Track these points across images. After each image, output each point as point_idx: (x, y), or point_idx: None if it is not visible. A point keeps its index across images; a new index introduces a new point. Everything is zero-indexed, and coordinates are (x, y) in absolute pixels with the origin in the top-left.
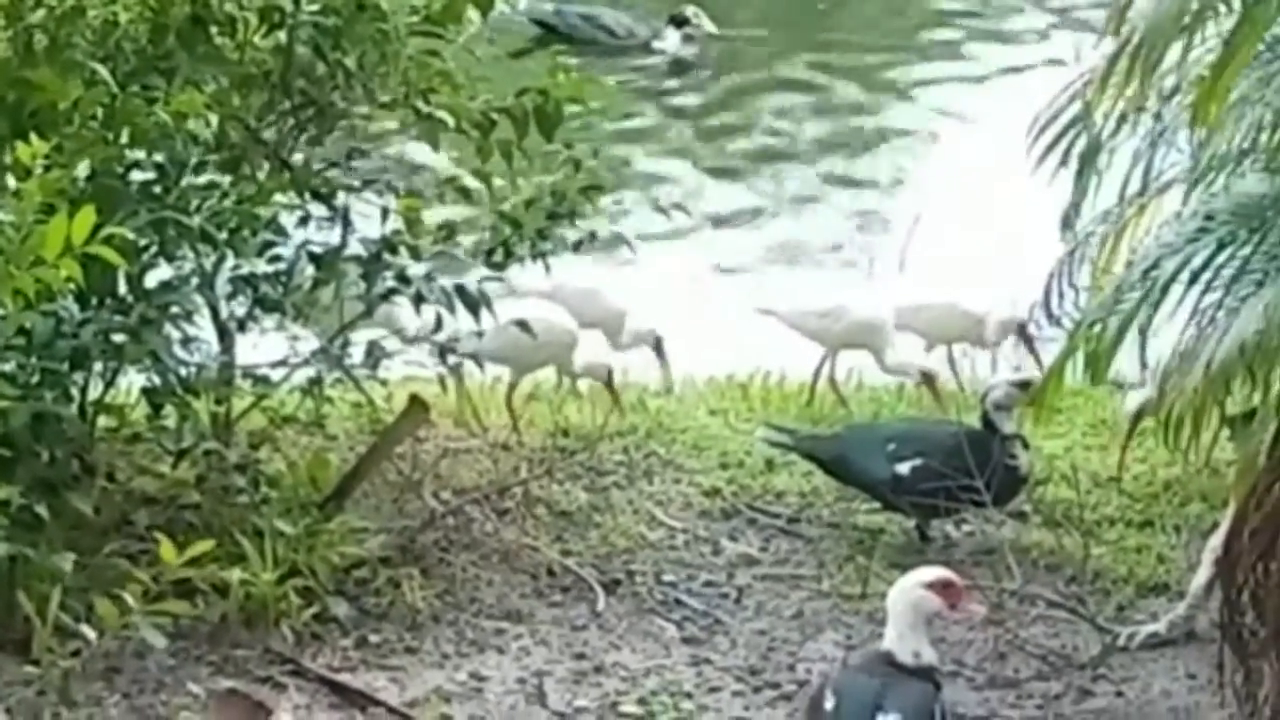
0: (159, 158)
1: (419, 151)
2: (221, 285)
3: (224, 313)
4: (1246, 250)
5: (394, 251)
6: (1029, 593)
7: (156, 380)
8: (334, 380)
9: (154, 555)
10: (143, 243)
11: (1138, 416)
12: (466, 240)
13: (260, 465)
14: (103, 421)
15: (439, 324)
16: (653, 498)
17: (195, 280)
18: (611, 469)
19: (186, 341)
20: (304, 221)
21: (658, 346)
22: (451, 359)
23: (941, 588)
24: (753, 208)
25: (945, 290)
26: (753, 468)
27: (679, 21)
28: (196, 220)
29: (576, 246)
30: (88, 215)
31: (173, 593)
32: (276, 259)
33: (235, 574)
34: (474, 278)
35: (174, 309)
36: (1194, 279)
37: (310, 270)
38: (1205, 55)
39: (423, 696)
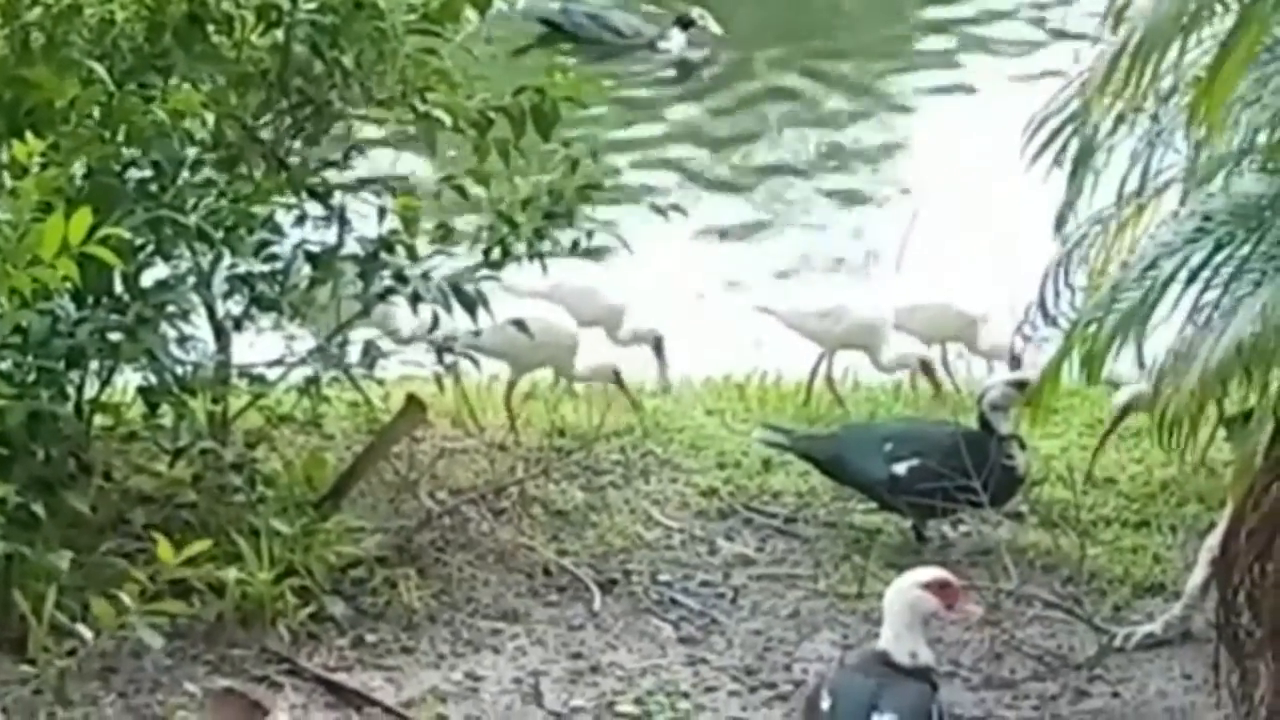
0: (155, 156)
1: (415, 163)
2: (218, 284)
3: (220, 312)
4: (1244, 250)
5: (391, 251)
6: (1025, 593)
7: (153, 379)
8: (331, 379)
9: (150, 554)
10: (139, 241)
11: (1125, 409)
12: (464, 240)
13: (257, 464)
14: (99, 420)
15: (435, 323)
16: (649, 497)
17: (192, 279)
18: (608, 469)
19: (183, 340)
20: (301, 220)
21: (658, 346)
22: (448, 357)
23: (938, 588)
24: (755, 221)
25: (941, 291)
26: (749, 468)
27: (685, 23)
28: (193, 219)
29: (574, 248)
30: (84, 214)
31: (169, 592)
32: (273, 258)
33: (232, 573)
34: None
35: (170, 308)
36: (1191, 279)
37: (307, 269)
38: (1202, 57)
39: (419, 696)
